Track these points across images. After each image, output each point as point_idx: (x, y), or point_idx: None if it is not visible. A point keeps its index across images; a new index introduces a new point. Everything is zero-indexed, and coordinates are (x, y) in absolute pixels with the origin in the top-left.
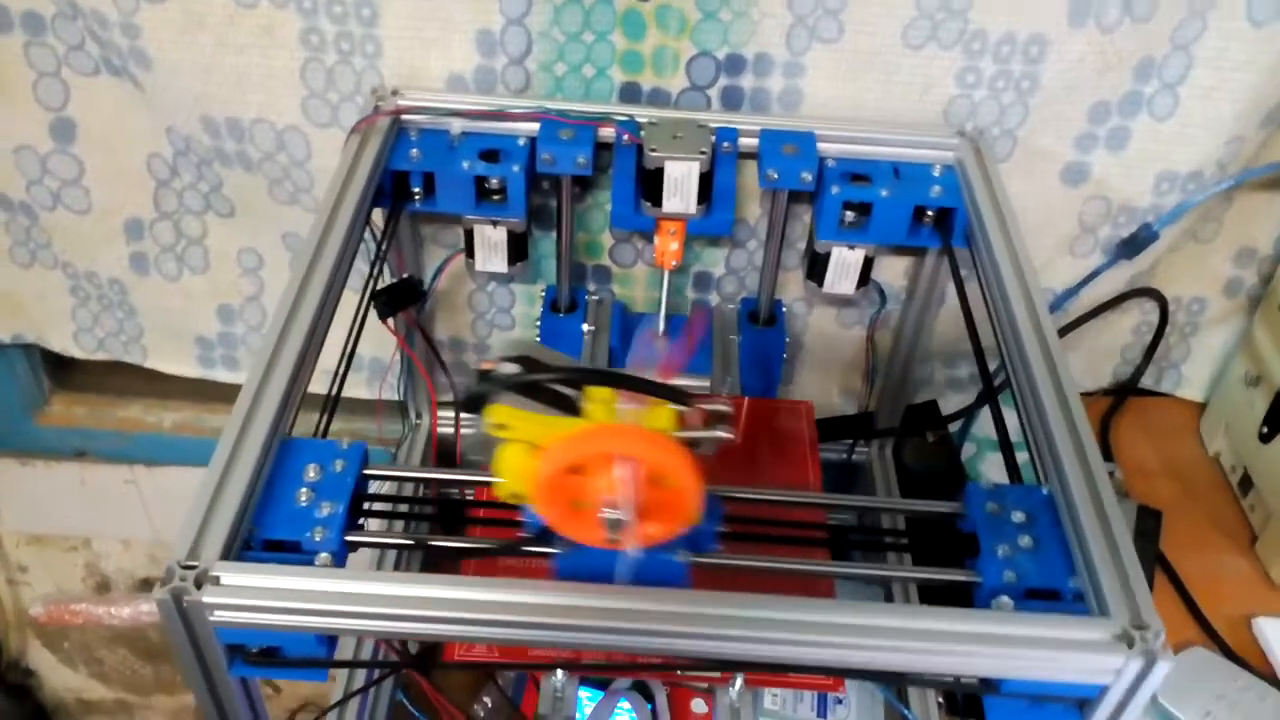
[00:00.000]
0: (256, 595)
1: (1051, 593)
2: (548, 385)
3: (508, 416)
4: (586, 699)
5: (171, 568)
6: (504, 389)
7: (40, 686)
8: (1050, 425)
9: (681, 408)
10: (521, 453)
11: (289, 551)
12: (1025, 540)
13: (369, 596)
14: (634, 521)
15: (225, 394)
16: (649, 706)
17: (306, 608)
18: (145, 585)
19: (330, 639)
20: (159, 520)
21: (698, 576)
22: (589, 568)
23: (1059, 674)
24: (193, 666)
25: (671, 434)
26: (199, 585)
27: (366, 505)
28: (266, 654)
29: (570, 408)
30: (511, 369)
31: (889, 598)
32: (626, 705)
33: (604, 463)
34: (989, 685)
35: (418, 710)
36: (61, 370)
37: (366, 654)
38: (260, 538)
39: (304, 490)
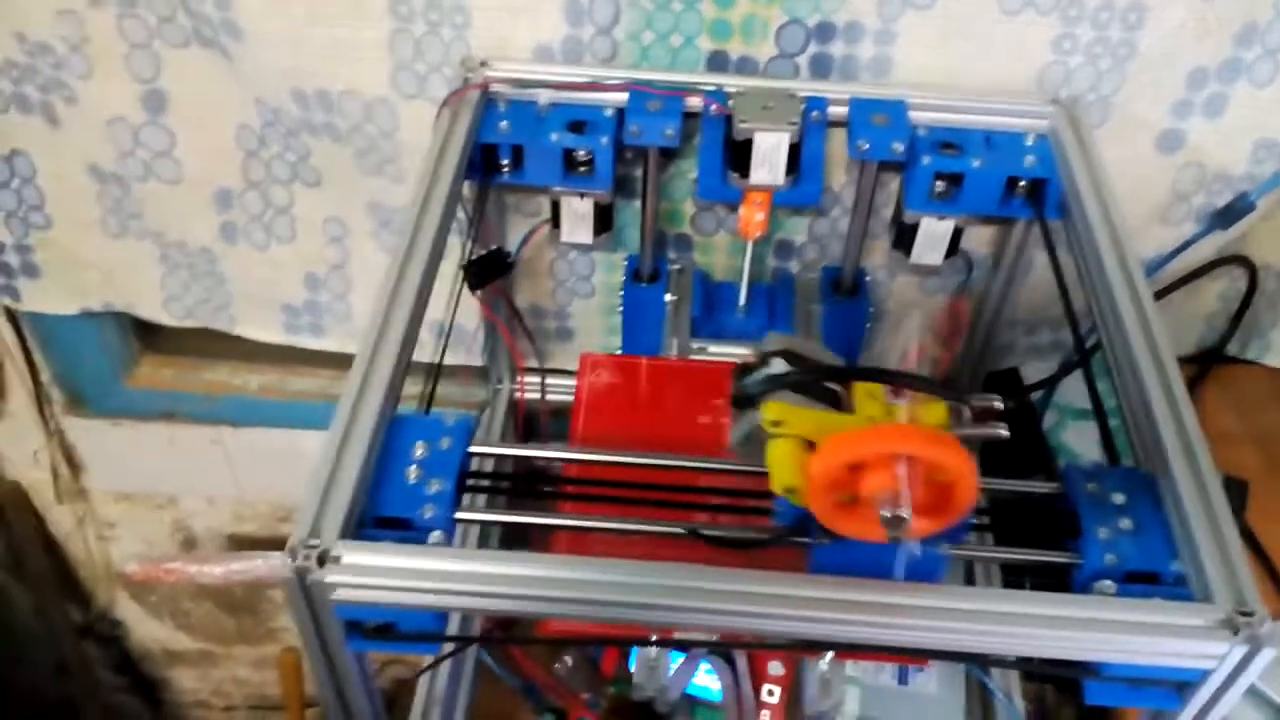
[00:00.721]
0: (375, 574)
1: (1152, 575)
2: (815, 381)
3: (782, 413)
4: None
5: (295, 546)
6: (779, 387)
7: (127, 636)
8: (1150, 401)
9: (956, 403)
10: (796, 448)
11: (400, 529)
12: (1126, 523)
13: (482, 575)
14: (914, 519)
15: (309, 358)
16: (730, 668)
17: (422, 586)
18: (229, 543)
19: (442, 615)
20: (244, 480)
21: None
22: (849, 562)
23: (1161, 659)
24: (313, 640)
25: (950, 431)
26: (321, 563)
27: (472, 482)
28: (381, 629)
29: (835, 401)
30: (780, 366)
31: (969, 579)
32: (708, 667)
33: (885, 460)
34: (1089, 669)
35: (502, 668)
36: (150, 334)
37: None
38: (372, 515)
39: (413, 468)
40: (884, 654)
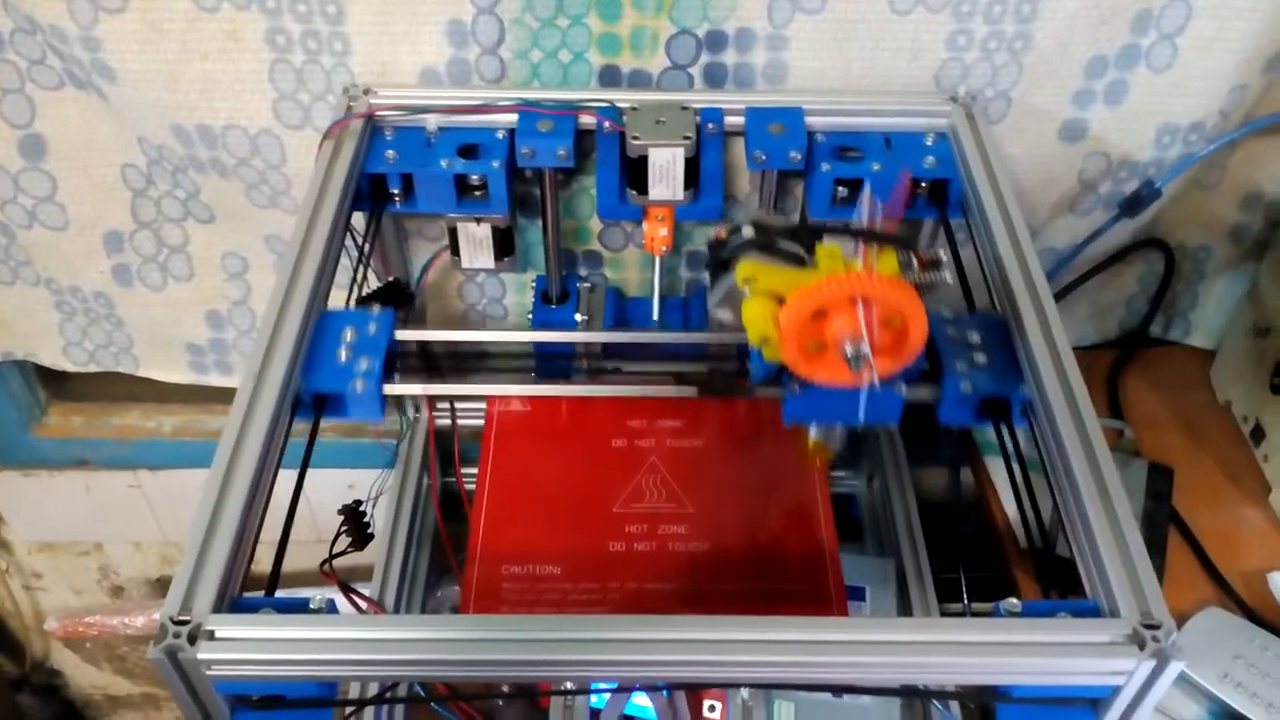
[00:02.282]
0: (252, 648)
1: (1003, 401)
2: (781, 245)
3: (754, 271)
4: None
5: (165, 624)
6: (749, 248)
7: (67, 685)
8: (1052, 409)
9: (905, 254)
10: (768, 303)
11: (333, 407)
12: (980, 358)
13: (366, 642)
14: (874, 353)
15: (222, 396)
16: (664, 693)
17: (305, 657)
18: (158, 586)
19: (331, 683)
20: (167, 522)
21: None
22: (817, 407)
23: (1069, 679)
24: (196, 718)
25: (896, 277)
26: (193, 640)
27: (399, 364)
28: (270, 699)
29: (801, 263)
30: (750, 233)
31: (903, 585)
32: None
33: (845, 305)
34: (998, 693)
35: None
36: (57, 382)
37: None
38: (309, 390)
39: (343, 349)
40: (786, 686)
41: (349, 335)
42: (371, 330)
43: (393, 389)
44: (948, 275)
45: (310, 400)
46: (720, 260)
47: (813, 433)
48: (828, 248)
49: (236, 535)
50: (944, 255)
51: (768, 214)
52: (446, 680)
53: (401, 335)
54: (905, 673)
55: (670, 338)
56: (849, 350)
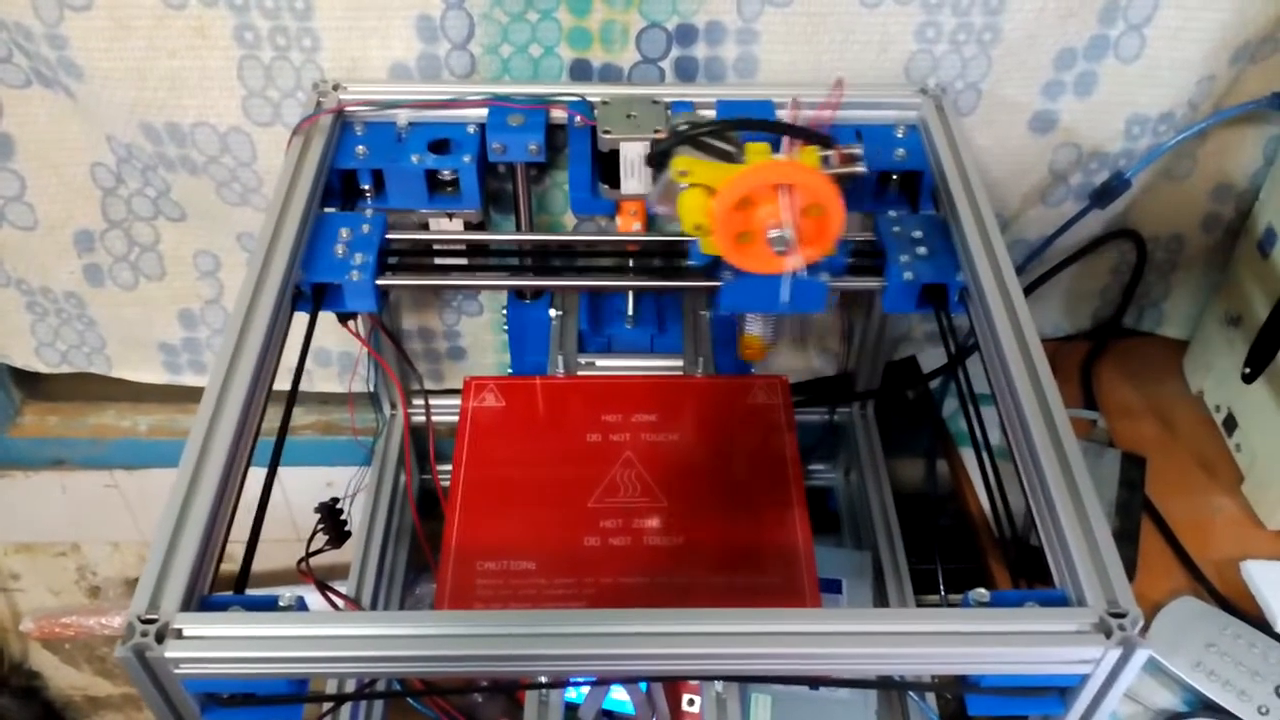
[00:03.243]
0: (221, 645)
1: (940, 288)
2: (713, 144)
3: (688, 164)
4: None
5: (132, 623)
6: (684, 143)
7: (46, 686)
8: (1018, 393)
9: (825, 151)
10: (700, 194)
11: (330, 299)
12: (922, 250)
13: (335, 639)
14: (795, 239)
15: (197, 395)
16: (642, 686)
17: (274, 655)
18: (136, 586)
19: (303, 679)
20: (144, 522)
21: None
22: (750, 295)
23: (1037, 668)
24: (166, 716)
25: (820, 169)
26: (160, 639)
27: (392, 260)
28: (241, 697)
29: (734, 159)
30: (684, 128)
31: (880, 578)
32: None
33: (769, 194)
34: (968, 683)
35: (416, 701)
36: (31, 382)
37: None
38: (309, 282)
39: (339, 245)
40: (759, 679)
41: (345, 234)
42: (365, 230)
43: (385, 281)
44: (861, 167)
45: (310, 291)
46: (659, 155)
47: (748, 328)
48: (758, 146)
49: (205, 532)
50: (859, 150)
51: (700, 116)
52: (419, 675)
53: (394, 236)
54: (875, 663)
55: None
56: (773, 234)
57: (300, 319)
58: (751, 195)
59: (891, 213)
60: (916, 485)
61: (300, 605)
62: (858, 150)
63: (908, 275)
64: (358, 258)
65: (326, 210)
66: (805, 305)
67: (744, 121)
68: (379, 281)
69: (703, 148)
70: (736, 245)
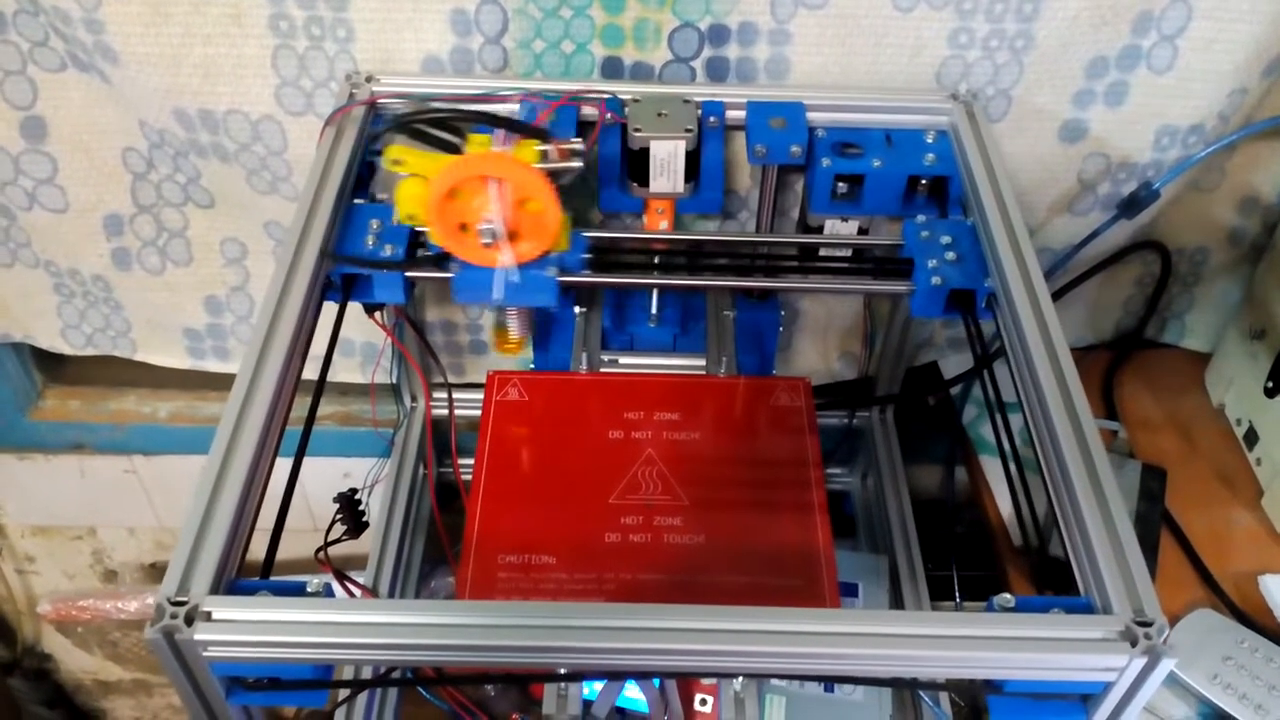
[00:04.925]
0: (249, 629)
1: (969, 294)
2: (436, 135)
3: (402, 154)
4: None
5: (161, 605)
6: (398, 132)
7: (58, 669)
8: (1047, 401)
9: (543, 145)
10: (416, 184)
11: (359, 289)
12: (950, 255)
13: (361, 626)
14: (504, 231)
15: (218, 382)
16: (655, 683)
17: (300, 640)
18: (152, 572)
19: (327, 665)
20: (161, 508)
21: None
22: (478, 285)
23: (1061, 674)
24: (191, 698)
25: (533, 164)
26: (189, 622)
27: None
28: (265, 681)
29: (456, 151)
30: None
31: (896, 583)
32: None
33: (478, 185)
34: (991, 686)
35: (429, 693)
36: (54, 365)
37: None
38: (339, 271)
39: (370, 236)
40: (778, 676)
41: (375, 225)
42: (395, 221)
43: (415, 274)
44: (578, 163)
45: (339, 282)
46: (375, 138)
47: (499, 320)
48: (479, 138)
49: (235, 517)
50: (580, 145)
51: (423, 104)
52: (442, 664)
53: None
54: (898, 665)
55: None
56: (482, 226)
57: (328, 309)
58: (461, 186)
59: (920, 217)
60: (934, 491)
61: (328, 591)
62: (578, 145)
63: (935, 280)
64: (388, 249)
65: (357, 201)
66: (532, 299)
67: (463, 113)
68: (409, 274)
69: (422, 137)
70: (458, 236)
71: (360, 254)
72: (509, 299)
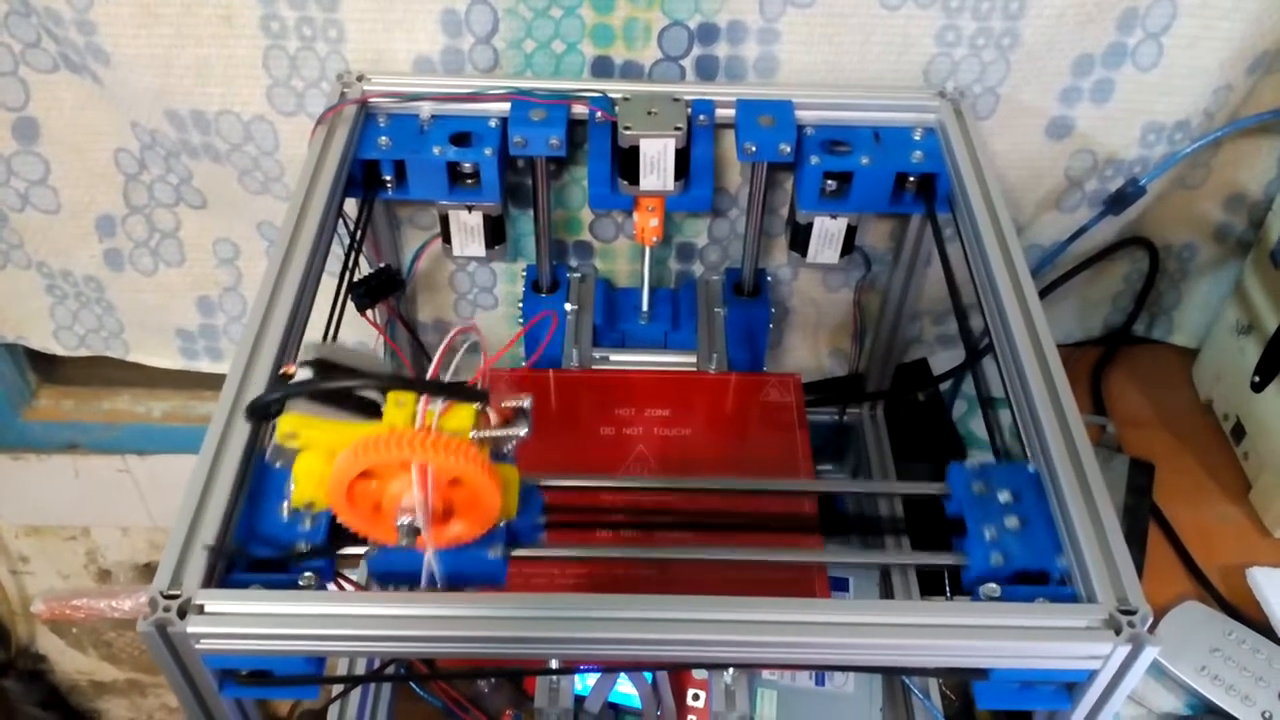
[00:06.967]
0: (241, 622)
1: (1040, 575)
2: (349, 390)
3: (296, 425)
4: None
5: (154, 598)
6: (290, 395)
7: (52, 670)
8: (1033, 396)
9: (482, 405)
10: (316, 460)
11: (275, 571)
12: (1012, 521)
13: (354, 618)
14: (429, 526)
15: (212, 382)
16: (648, 678)
17: (292, 632)
18: (145, 571)
19: (320, 658)
20: (155, 507)
21: (684, 575)
22: (400, 566)
23: (1045, 662)
24: (184, 691)
25: (465, 434)
26: (182, 615)
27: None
28: (258, 675)
29: (374, 411)
30: (305, 374)
31: (887, 579)
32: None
33: (396, 469)
34: (978, 673)
35: (423, 689)
36: (47, 365)
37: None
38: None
39: (286, 505)
40: (769, 667)
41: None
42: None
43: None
44: (523, 429)
45: None
46: (257, 407)
47: None
48: (399, 395)
49: (226, 511)
50: (527, 404)
51: (345, 350)
52: (433, 656)
53: None
54: (886, 655)
55: None
56: (401, 521)
57: (321, 309)
58: (373, 470)
59: (969, 463)
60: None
61: (320, 585)
62: (525, 404)
63: (996, 558)
64: (307, 522)
65: (349, 200)
66: (473, 582)
67: (382, 377)
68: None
69: (328, 397)
70: (372, 515)
71: (275, 535)
72: (446, 585)
